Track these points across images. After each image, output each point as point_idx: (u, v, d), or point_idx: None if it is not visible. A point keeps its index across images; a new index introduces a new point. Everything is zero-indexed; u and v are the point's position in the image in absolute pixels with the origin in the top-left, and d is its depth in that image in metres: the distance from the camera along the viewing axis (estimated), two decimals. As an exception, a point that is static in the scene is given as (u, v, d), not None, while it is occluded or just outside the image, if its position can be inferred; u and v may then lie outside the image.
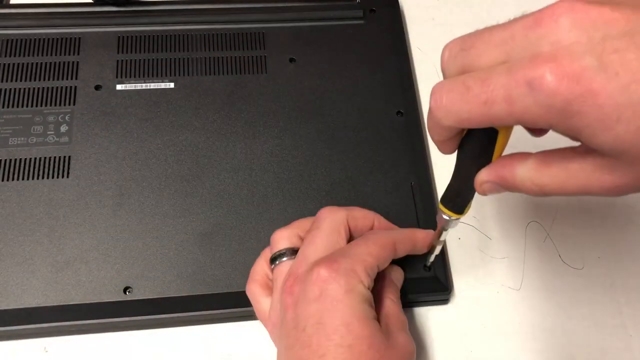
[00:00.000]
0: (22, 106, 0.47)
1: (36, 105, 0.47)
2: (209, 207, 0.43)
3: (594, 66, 0.21)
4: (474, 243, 0.45)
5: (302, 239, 0.37)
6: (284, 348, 0.33)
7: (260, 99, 0.48)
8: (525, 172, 0.26)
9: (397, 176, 0.46)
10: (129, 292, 0.40)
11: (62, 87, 0.48)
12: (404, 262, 0.39)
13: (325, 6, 0.53)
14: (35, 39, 0.49)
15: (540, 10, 0.23)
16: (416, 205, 0.44)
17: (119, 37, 0.50)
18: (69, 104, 0.47)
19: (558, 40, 0.22)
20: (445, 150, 0.29)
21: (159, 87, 0.48)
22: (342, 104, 0.49)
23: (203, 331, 0.41)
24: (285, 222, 0.39)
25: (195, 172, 0.45)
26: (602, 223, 0.46)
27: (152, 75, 0.49)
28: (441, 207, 0.33)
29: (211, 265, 0.41)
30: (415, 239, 0.38)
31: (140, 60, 0.49)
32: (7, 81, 0.47)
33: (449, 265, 0.43)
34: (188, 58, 0.50)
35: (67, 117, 0.46)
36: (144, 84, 0.48)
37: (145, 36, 0.50)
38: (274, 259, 0.37)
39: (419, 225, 0.44)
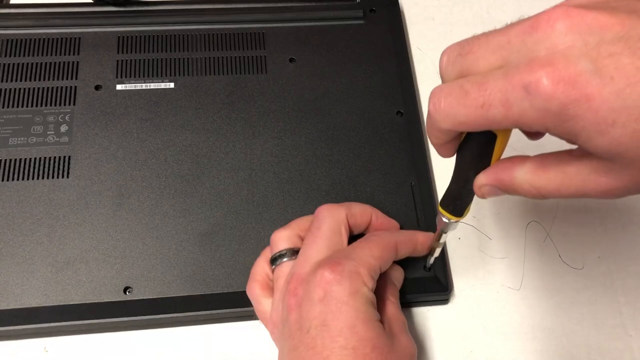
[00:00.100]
0: (22, 106, 0.47)
1: (36, 105, 0.47)
2: (209, 207, 0.44)
3: (590, 70, 0.21)
4: (474, 243, 0.45)
5: (302, 239, 0.37)
6: (287, 349, 0.33)
7: (260, 99, 0.48)
8: (523, 176, 0.27)
9: (397, 176, 0.46)
10: (129, 292, 0.40)
11: (62, 87, 0.48)
12: (404, 261, 0.40)
13: (325, 6, 0.53)
14: (35, 39, 0.49)
15: (536, 16, 0.23)
16: (416, 205, 0.44)
17: (119, 37, 0.50)
18: (69, 104, 0.47)
19: (554, 45, 0.22)
20: (444, 153, 0.30)
21: (159, 87, 0.48)
22: (342, 104, 0.49)
23: (203, 331, 0.41)
24: (285, 222, 0.39)
25: (195, 172, 0.45)
26: (602, 223, 0.46)
27: (152, 75, 0.49)
28: (441, 209, 0.33)
29: (211, 265, 0.41)
30: (416, 241, 0.39)
31: (140, 60, 0.49)
32: (7, 81, 0.47)
33: (449, 265, 0.43)
34: (188, 58, 0.50)
35: (67, 117, 0.46)
36: (144, 84, 0.48)
37: (145, 36, 0.50)
38: (274, 260, 0.37)
39: (419, 225, 0.44)
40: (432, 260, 0.40)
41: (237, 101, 0.48)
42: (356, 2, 0.54)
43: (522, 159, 0.27)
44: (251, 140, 0.46)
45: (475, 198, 0.31)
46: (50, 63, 0.49)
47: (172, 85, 0.49)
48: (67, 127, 0.46)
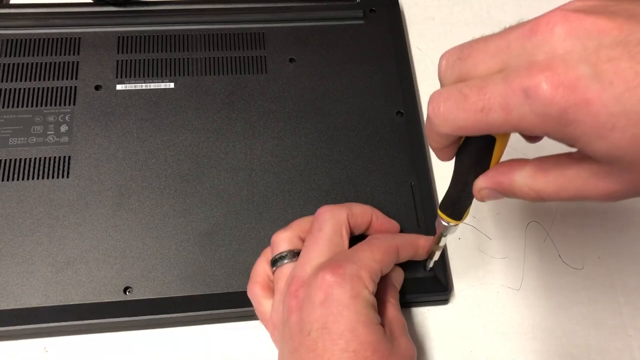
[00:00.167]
0: (22, 106, 0.47)
1: (36, 105, 0.47)
2: (209, 207, 0.44)
3: (589, 75, 0.21)
4: (474, 243, 0.45)
5: (302, 240, 0.37)
6: (288, 351, 0.33)
7: (260, 99, 0.48)
8: (522, 179, 0.27)
9: (397, 176, 0.46)
10: (129, 292, 0.40)
11: (62, 87, 0.48)
12: (404, 262, 0.39)
13: (325, 6, 0.53)
14: (35, 39, 0.49)
15: (535, 20, 0.23)
16: (416, 205, 0.44)
17: (119, 37, 0.50)
18: (69, 104, 0.47)
19: (553, 49, 0.22)
20: (443, 157, 0.30)
21: (159, 87, 0.48)
22: (342, 104, 0.49)
23: (203, 331, 0.41)
24: (285, 222, 0.39)
25: (195, 172, 0.45)
26: (602, 223, 0.46)
27: (152, 75, 0.49)
28: (440, 213, 0.34)
29: (211, 265, 0.41)
30: (417, 244, 0.39)
31: (140, 60, 0.49)
32: (7, 81, 0.47)
33: (449, 265, 0.43)
34: (188, 58, 0.50)
35: (67, 117, 0.46)
36: (144, 84, 0.48)
37: (145, 36, 0.50)
38: (275, 261, 0.37)
39: (419, 225, 0.44)
40: (431, 264, 0.40)
41: (237, 101, 0.48)
42: (356, 2, 0.54)
43: (521, 162, 0.27)
44: (251, 140, 0.46)
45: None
46: (50, 63, 0.49)
47: (172, 85, 0.49)
48: (67, 127, 0.46)
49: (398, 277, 0.39)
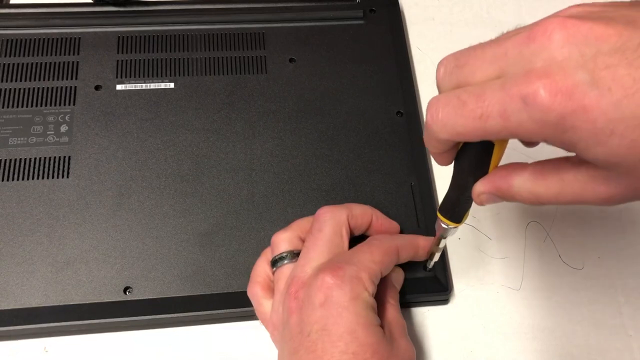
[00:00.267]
0: (22, 106, 0.47)
1: (36, 105, 0.47)
2: (209, 207, 0.44)
3: (587, 82, 0.21)
4: (474, 243, 0.45)
5: (302, 241, 0.37)
6: (288, 352, 0.33)
7: (260, 99, 0.48)
8: (521, 183, 0.27)
9: (397, 176, 0.46)
10: (129, 292, 0.40)
11: (62, 87, 0.48)
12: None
13: (325, 6, 0.53)
14: (35, 39, 0.49)
15: (533, 26, 0.23)
16: (416, 205, 0.44)
17: (119, 37, 0.50)
18: (69, 104, 0.47)
19: (551, 56, 0.22)
20: (442, 162, 0.30)
21: (159, 87, 0.48)
22: (342, 104, 0.49)
23: (203, 331, 0.41)
24: (285, 222, 0.39)
25: (195, 172, 0.45)
26: (602, 223, 0.46)
27: (152, 75, 0.49)
28: (439, 216, 0.34)
29: (211, 265, 0.41)
30: (417, 245, 0.39)
31: (140, 60, 0.49)
32: (7, 81, 0.47)
33: (449, 265, 0.43)
34: (188, 58, 0.50)
35: (67, 117, 0.46)
36: (144, 84, 0.48)
37: (145, 36, 0.50)
38: (275, 262, 0.37)
39: (419, 225, 0.44)
40: (431, 265, 0.41)
41: (237, 101, 0.48)
42: (356, 2, 0.54)
43: (520, 166, 0.27)
44: (251, 140, 0.46)
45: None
46: (50, 63, 0.49)
47: (172, 85, 0.48)
48: (67, 127, 0.46)
49: (398, 277, 0.39)
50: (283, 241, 0.37)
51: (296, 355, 0.32)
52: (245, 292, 0.39)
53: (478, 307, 0.42)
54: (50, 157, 0.45)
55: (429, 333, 0.41)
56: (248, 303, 0.38)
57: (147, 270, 0.41)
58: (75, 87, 0.48)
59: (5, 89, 0.47)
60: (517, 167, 0.27)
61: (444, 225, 0.34)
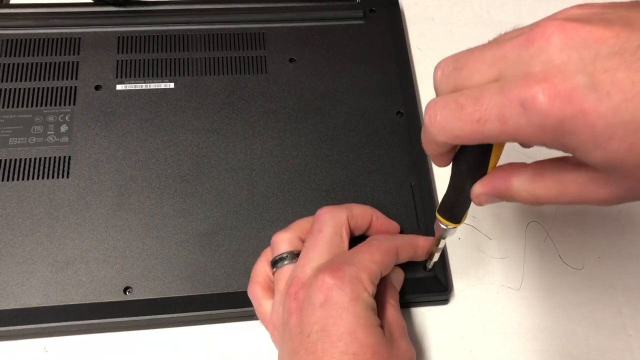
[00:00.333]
0: (22, 106, 0.47)
1: (36, 105, 0.47)
2: (209, 207, 0.44)
3: (586, 86, 0.21)
4: (474, 243, 0.45)
5: (302, 241, 0.37)
6: (288, 352, 0.33)
7: (260, 99, 0.48)
8: (520, 184, 0.27)
9: (397, 176, 0.46)
10: (129, 292, 0.40)
11: (62, 87, 0.48)
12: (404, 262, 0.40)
13: (325, 6, 0.53)
14: (35, 39, 0.49)
15: (531, 29, 0.23)
16: (416, 206, 0.44)
17: (119, 37, 0.50)
18: (69, 104, 0.47)
19: (550, 60, 0.22)
20: (440, 163, 0.30)
21: (159, 87, 0.48)
22: (342, 104, 0.49)
23: (203, 331, 0.41)
24: (285, 222, 0.39)
25: (195, 172, 0.45)
26: (602, 223, 0.46)
27: (152, 75, 0.49)
28: (438, 216, 0.34)
29: (211, 265, 0.41)
30: (417, 245, 0.39)
31: (140, 60, 0.49)
32: (7, 81, 0.47)
33: (449, 265, 0.43)
34: (188, 58, 0.50)
35: (67, 117, 0.46)
36: (144, 84, 0.48)
37: (145, 36, 0.50)
38: (275, 263, 0.37)
39: (419, 225, 0.44)
40: (430, 265, 0.41)
41: (237, 101, 0.48)
42: (356, 2, 0.54)
43: (519, 167, 0.27)
44: (251, 140, 0.46)
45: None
46: (50, 63, 0.49)
47: (172, 85, 0.49)
48: (67, 127, 0.46)
49: (398, 277, 0.39)
50: (283, 241, 0.37)
51: (296, 355, 0.32)
52: (245, 292, 0.39)
53: (478, 307, 0.42)
54: (50, 157, 0.45)
55: (429, 333, 0.41)
56: (248, 303, 0.38)
57: (147, 270, 0.41)
58: (75, 87, 0.48)
59: (5, 89, 0.47)
60: (516, 167, 0.27)
61: (442, 226, 0.34)
